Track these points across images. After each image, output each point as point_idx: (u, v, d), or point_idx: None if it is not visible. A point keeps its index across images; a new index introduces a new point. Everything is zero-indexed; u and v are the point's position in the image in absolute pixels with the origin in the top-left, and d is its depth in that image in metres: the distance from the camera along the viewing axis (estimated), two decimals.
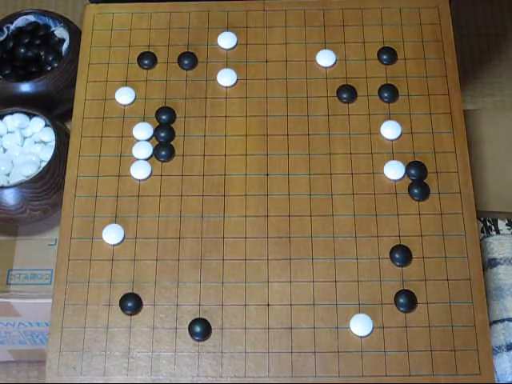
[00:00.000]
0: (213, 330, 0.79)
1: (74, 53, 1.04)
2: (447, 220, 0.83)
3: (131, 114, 0.90)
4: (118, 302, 0.80)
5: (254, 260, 0.82)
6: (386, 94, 0.89)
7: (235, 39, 0.93)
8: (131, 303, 0.80)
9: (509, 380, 0.89)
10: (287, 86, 0.90)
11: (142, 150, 0.87)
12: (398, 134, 0.87)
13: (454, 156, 0.86)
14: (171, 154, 0.87)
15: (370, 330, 0.79)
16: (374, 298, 0.80)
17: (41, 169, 0.98)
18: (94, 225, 0.84)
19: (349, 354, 0.78)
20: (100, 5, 0.96)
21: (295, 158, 0.86)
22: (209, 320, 0.80)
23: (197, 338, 0.79)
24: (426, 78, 0.90)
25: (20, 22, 1.11)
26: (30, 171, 0.99)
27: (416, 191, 0.84)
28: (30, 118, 1.04)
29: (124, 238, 0.83)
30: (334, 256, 0.82)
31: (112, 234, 0.83)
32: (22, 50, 1.12)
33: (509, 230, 1.02)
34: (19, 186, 0.97)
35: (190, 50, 0.92)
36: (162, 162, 0.87)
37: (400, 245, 0.82)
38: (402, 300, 0.79)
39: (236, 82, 0.91)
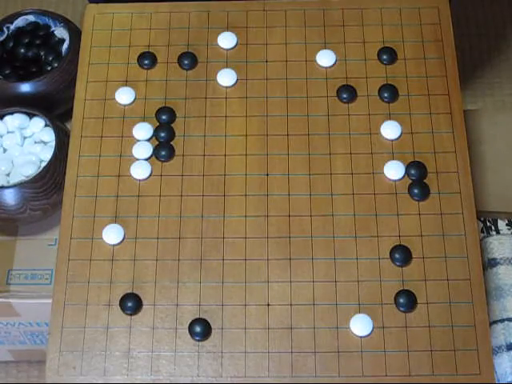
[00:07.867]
0: (213, 330, 0.79)
1: (74, 53, 1.04)
2: (447, 220, 0.83)
3: (131, 114, 0.90)
4: (117, 302, 0.80)
5: (254, 260, 0.82)
6: (385, 94, 0.89)
7: (235, 39, 0.93)
8: (131, 303, 0.80)
9: (509, 380, 0.89)
10: (287, 86, 0.90)
11: (142, 150, 0.87)
12: (398, 134, 0.87)
13: (454, 156, 0.86)
14: (171, 153, 0.87)
15: (370, 330, 0.79)
16: (374, 298, 0.80)
17: (41, 169, 0.98)
18: (94, 225, 0.84)
19: (349, 354, 0.78)
20: (100, 5, 0.96)
21: (295, 157, 0.86)
22: (209, 320, 0.80)
23: (197, 338, 0.79)
24: (426, 78, 0.90)
25: (20, 22, 1.11)
26: (30, 171, 0.99)
27: (416, 191, 0.84)
28: (30, 118, 1.04)
29: (124, 237, 0.83)
30: (334, 256, 0.82)
31: (112, 234, 0.83)
32: (22, 50, 1.12)
33: (509, 229, 1.02)
34: (19, 185, 0.97)
35: (189, 50, 0.92)
36: (162, 161, 0.87)
37: (400, 245, 0.82)
38: (401, 300, 0.79)
39: (236, 81, 0.91)
